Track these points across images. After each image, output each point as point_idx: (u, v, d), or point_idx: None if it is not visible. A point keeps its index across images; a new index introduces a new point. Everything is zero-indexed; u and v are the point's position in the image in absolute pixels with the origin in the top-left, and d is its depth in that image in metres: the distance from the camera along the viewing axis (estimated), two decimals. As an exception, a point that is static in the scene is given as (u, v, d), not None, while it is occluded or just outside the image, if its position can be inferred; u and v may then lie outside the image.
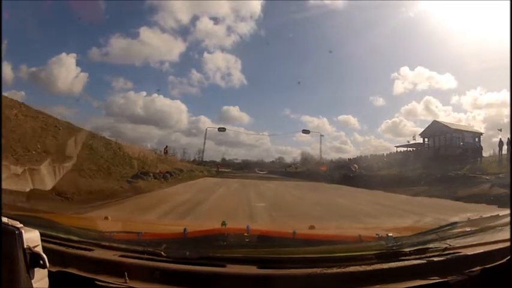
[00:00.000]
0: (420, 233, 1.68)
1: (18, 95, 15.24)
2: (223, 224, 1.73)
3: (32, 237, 1.07)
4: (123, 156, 15.49)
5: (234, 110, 25.75)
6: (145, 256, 1.37)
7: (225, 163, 27.01)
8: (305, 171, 24.95)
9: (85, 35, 24.31)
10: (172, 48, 26.09)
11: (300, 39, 27.75)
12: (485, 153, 19.94)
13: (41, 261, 1.06)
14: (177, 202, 8.45)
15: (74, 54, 20.64)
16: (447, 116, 22.96)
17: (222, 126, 23.41)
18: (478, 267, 1.36)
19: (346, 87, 29.79)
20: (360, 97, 30.03)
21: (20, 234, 1.03)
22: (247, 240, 1.64)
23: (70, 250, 1.41)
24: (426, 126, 23.27)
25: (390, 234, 1.53)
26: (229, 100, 28.84)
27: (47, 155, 9.80)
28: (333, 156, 25.97)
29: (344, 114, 28.45)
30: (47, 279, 1.11)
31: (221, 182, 16.69)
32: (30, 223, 1.14)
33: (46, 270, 1.09)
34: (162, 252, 1.38)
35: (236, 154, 30.16)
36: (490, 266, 1.36)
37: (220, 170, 24.83)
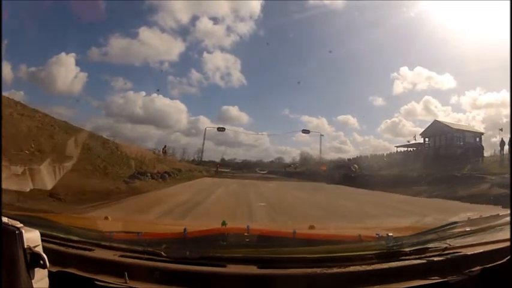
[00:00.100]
0: (420, 233, 1.68)
1: (18, 95, 15.26)
2: (224, 223, 1.73)
3: (32, 237, 1.07)
4: (120, 155, 15.32)
5: (234, 110, 25.77)
6: (146, 256, 1.37)
7: (224, 163, 27.02)
8: (304, 171, 24.97)
9: (84, 35, 24.29)
10: (171, 48, 26.12)
11: (299, 39, 27.68)
12: (485, 153, 20.00)
13: (41, 261, 1.06)
14: (174, 203, 8.30)
15: (74, 54, 20.64)
16: (446, 116, 23.00)
17: (221, 126, 23.42)
18: (478, 267, 1.36)
19: (346, 87, 29.79)
20: (359, 97, 30.09)
21: (20, 234, 1.03)
22: (247, 240, 1.63)
23: (70, 250, 1.41)
24: (426, 126, 23.35)
25: (390, 234, 1.53)
26: (228, 100, 28.82)
27: (41, 154, 9.75)
28: (332, 156, 25.99)
29: (343, 114, 28.46)
30: (47, 279, 1.10)
31: (220, 182, 16.58)
32: (30, 223, 1.14)
33: (46, 270, 1.08)
34: (162, 252, 1.38)
35: (235, 154, 30.24)
36: (490, 266, 1.36)
37: (219, 170, 24.83)
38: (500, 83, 17.98)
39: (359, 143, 27.26)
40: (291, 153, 29.83)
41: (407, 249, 1.44)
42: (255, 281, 1.32)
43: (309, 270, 1.32)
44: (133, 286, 1.24)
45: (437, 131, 22.32)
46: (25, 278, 1.02)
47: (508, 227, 1.53)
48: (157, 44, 23.78)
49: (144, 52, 23.94)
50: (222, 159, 27.19)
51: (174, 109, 25.36)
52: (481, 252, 1.44)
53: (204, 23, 23.34)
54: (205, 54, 24.95)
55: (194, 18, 24.45)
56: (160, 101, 24.28)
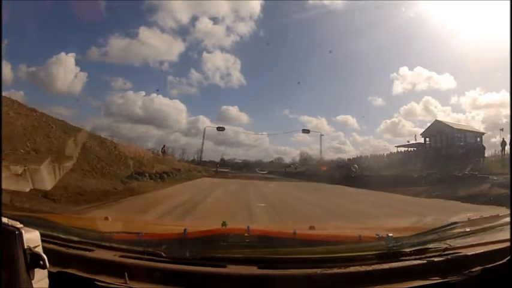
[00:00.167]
0: (420, 233, 1.68)
1: (18, 95, 15.23)
2: (224, 224, 1.73)
3: (32, 238, 1.07)
4: (118, 155, 15.16)
5: (233, 110, 25.81)
6: (146, 256, 1.37)
7: (224, 163, 27.02)
8: (304, 171, 24.98)
9: (84, 35, 24.47)
10: (171, 48, 26.21)
11: (299, 40, 27.83)
12: (486, 153, 19.97)
13: (41, 262, 1.06)
14: (172, 205, 8.13)
15: (73, 54, 20.77)
16: (446, 117, 23.05)
17: (221, 125, 23.46)
18: (478, 267, 1.35)
19: (345, 88, 29.93)
20: (359, 97, 30.25)
21: (20, 234, 1.02)
22: (247, 240, 1.63)
23: (70, 250, 1.41)
24: (425, 126, 23.40)
25: (390, 235, 1.53)
26: (228, 100, 28.89)
27: (36, 154, 9.70)
28: (332, 156, 26.04)
29: (343, 114, 28.48)
30: (47, 280, 1.10)
31: (220, 183, 16.49)
32: (30, 223, 1.14)
33: (46, 270, 1.08)
34: (162, 253, 1.38)
35: (235, 154, 30.27)
36: (490, 266, 1.36)
37: (219, 170, 24.81)
38: (500, 83, 18.06)
39: (358, 143, 27.33)
40: (290, 153, 29.91)
41: (407, 250, 1.44)
42: (255, 282, 1.32)
43: (309, 271, 1.32)
44: (134, 286, 1.24)
45: (438, 131, 22.29)
46: (25, 278, 1.02)
47: (508, 227, 1.53)
48: (157, 44, 23.90)
49: (144, 52, 24.02)
50: (222, 159, 27.21)
51: (174, 109, 25.44)
52: (481, 253, 1.44)
53: (204, 23, 23.44)
54: (205, 54, 25.06)
55: (194, 18, 24.50)
56: (160, 101, 24.39)
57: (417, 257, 1.42)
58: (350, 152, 25.70)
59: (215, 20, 23.94)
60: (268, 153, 30.89)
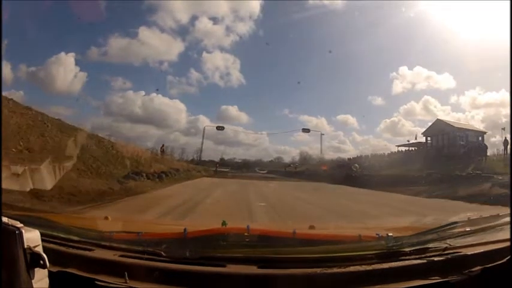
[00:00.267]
0: (420, 233, 1.68)
1: (18, 95, 15.21)
2: (224, 223, 1.73)
3: (32, 237, 1.07)
4: (115, 155, 14.73)
5: (233, 110, 25.74)
6: (146, 256, 1.37)
7: (223, 163, 26.96)
8: (304, 170, 24.95)
9: (84, 35, 24.40)
10: (171, 48, 26.07)
11: (298, 39, 27.64)
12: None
13: (41, 261, 1.06)
14: (169, 205, 7.87)
15: (73, 54, 20.66)
16: (446, 116, 22.95)
17: (220, 125, 23.44)
18: (478, 267, 1.36)
19: (345, 87, 29.78)
20: (358, 97, 30.14)
21: (20, 234, 1.03)
22: (247, 240, 1.63)
23: (70, 250, 1.41)
24: (425, 125, 23.30)
25: (390, 234, 1.53)
26: (228, 100, 28.84)
27: (29, 153, 9.50)
28: (332, 155, 25.95)
29: (343, 113, 28.36)
30: (47, 279, 1.11)
31: (219, 183, 16.33)
32: (30, 223, 1.14)
33: (46, 270, 1.09)
34: (162, 252, 1.38)
35: (235, 153, 30.14)
36: (490, 266, 1.36)
37: (218, 169, 24.78)
38: (499, 83, 18.03)
39: (358, 142, 27.26)
40: (290, 152, 29.79)
41: (407, 249, 1.44)
42: (255, 281, 1.32)
43: (309, 270, 1.32)
44: (134, 286, 1.24)
45: (439, 130, 22.15)
46: (25, 278, 1.02)
47: (508, 227, 1.53)
48: (156, 44, 23.79)
49: (144, 52, 23.92)
50: (222, 159, 27.14)
51: (174, 109, 25.36)
52: (481, 252, 1.44)
53: (204, 23, 23.34)
54: (204, 54, 24.94)
55: (193, 18, 24.36)
56: (160, 101, 24.28)
57: (417, 256, 1.42)
58: (350, 151, 25.68)
59: (215, 19, 23.87)
60: (268, 152, 30.84)
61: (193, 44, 24.93)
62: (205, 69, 25.72)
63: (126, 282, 1.25)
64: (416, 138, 23.22)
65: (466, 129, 21.67)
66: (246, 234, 1.64)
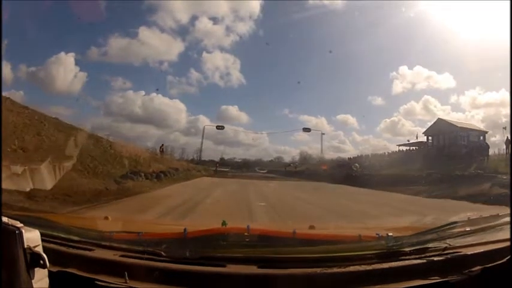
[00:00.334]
0: (420, 233, 1.68)
1: (18, 95, 15.21)
2: (224, 223, 1.73)
3: (32, 237, 1.07)
4: (113, 154, 14.61)
5: (233, 110, 25.75)
6: (146, 256, 1.37)
7: (223, 162, 26.95)
8: (304, 170, 24.94)
9: (84, 35, 24.42)
10: (171, 48, 26.05)
11: (299, 39, 27.62)
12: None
13: (41, 261, 1.06)
14: (167, 206, 7.64)
15: (73, 54, 20.67)
16: (446, 116, 22.94)
17: (220, 124, 23.44)
18: (478, 267, 1.36)
19: (345, 87, 29.79)
20: (358, 97, 30.16)
21: (20, 234, 1.03)
22: (247, 240, 1.63)
23: (70, 250, 1.41)
24: (425, 125, 23.29)
25: (390, 234, 1.53)
26: (228, 100, 28.86)
27: (23, 152, 9.37)
28: (332, 155, 25.95)
29: (343, 113, 28.37)
30: (47, 279, 1.11)
31: (219, 182, 16.23)
32: (30, 223, 1.14)
33: (46, 270, 1.09)
34: (163, 252, 1.38)
35: (235, 153, 30.06)
36: (490, 265, 1.36)
37: (218, 169, 24.77)
38: (499, 83, 18.02)
39: (358, 142, 27.23)
40: (290, 152, 29.76)
41: (407, 249, 1.44)
42: (255, 281, 1.32)
43: (309, 270, 1.32)
44: (134, 286, 1.24)
45: (441, 129, 22.05)
46: (25, 278, 1.02)
47: (508, 227, 1.53)
48: (156, 44, 23.80)
49: (144, 52, 23.92)
50: (222, 159, 27.13)
51: (174, 108, 25.36)
52: (481, 252, 1.44)
53: (204, 23, 23.34)
54: (204, 54, 24.94)
55: (193, 18, 24.35)
56: (160, 101, 24.29)
57: (417, 256, 1.42)
58: (350, 151, 25.67)
59: (215, 19, 23.86)
60: (268, 152, 30.82)
61: (193, 44, 24.95)
62: (205, 69, 25.73)
63: (126, 282, 1.25)
64: (417, 138, 23.22)
65: (467, 128, 21.59)
66: (246, 234, 1.64)
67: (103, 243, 1.47)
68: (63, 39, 23.86)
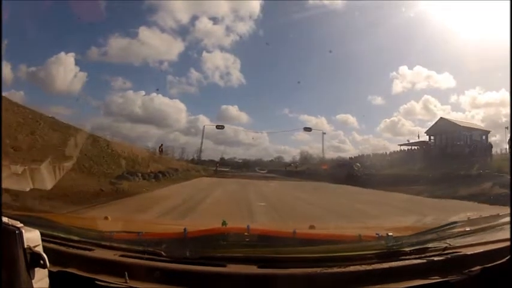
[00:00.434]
0: (420, 233, 1.68)
1: (18, 95, 15.21)
2: (224, 223, 1.73)
3: (32, 237, 1.07)
4: (110, 154, 14.37)
5: (233, 110, 25.82)
6: (146, 256, 1.37)
7: (223, 162, 26.96)
8: (305, 170, 24.92)
9: (84, 35, 24.49)
10: (171, 48, 26.24)
11: (299, 39, 27.71)
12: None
13: (41, 261, 1.06)
14: (164, 208, 7.34)
15: (73, 54, 20.75)
16: (446, 116, 22.94)
17: (220, 124, 23.44)
18: (478, 267, 1.35)
19: (345, 87, 29.92)
20: (358, 96, 30.30)
21: (20, 234, 1.03)
22: (247, 239, 1.63)
23: (70, 250, 1.41)
24: (425, 125, 23.35)
25: (390, 234, 1.53)
26: (228, 99, 28.96)
27: (14, 151, 9.21)
28: (332, 155, 25.99)
29: (343, 113, 28.43)
30: (47, 279, 1.11)
31: (219, 183, 16.06)
32: (30, 223, 1.14)
33: (46, 270, 1.09)
34: (163, 252, 1.38)
35: (235, 153, 30.10)
36: (490, 265, 1.35)
37: (218, 169, 24.75)
38: (499, 82, 18.02)
39: (358, 142, 27.33)
40: (290, 152, 29.86)
41: (407, 249, 1.44)
42: (255, 281, 1.32)
43: (309, 270, 1.32)
44: (134, 286, 1.25)
45: (443, 129, 22.00)
46: (25, 278, 1.02)
47: (508, 227, 1.53)
48: (156, 44, 23.94)
49: (144, 52, 24.04)
50: (222, 159, 27.15)
51: (174, 108, 25.45)
52: (481, 252, 1.44)
53: (204, 23, 23.45)
54: (204, 54, 25.06)
55: (194, 18, 24.46)
56: (160, 100, 24.41)
57: (417, 256, 1.42)
58: (350, 151, 25.72)
59: (215, 19, 23.97)
60: (268, 152, 30.87)
61: (193, 44, 25.08)
62: (206, 69, 25.83)
63: (126, 282, 1.25)
64: (418, 137, 23.18)
65: (470, 128, 21.54)
66: (246, 234, 1.64)
67: (103, 243, 1.47)
68: (63, 39, 24.00)
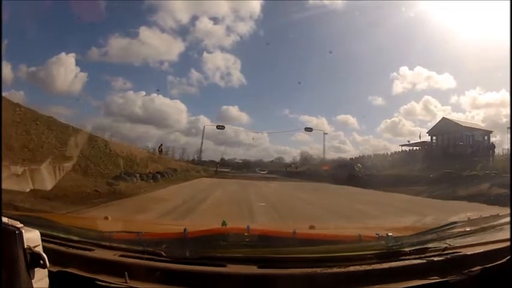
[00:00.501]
0: (420, 233, 1.68)
1: (18, 95, 15.19)
2: (224, 223, 1.73)
3: (32, 237, 1.07)
4: (108, 154, 14.04)
5: (234, 110, 25.92)
6: (146, 256, 1.37)
7: (224, 163, 27.03)
8: (306, 171, 24.93)
9: (84, 35, 24.55)
10: (171, 48, 26.37)
11: (299, 40, 27.88)
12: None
13: (41, 261, 1.06)
14: (161, 210, 7.01)
15: (74, 54, 20.80)
16: (446, 116, 22.93)
17: (220, 124, 23.46)
18: (478, 267, 1.35)
19: (346, 87, 30.03)
20: (359, 97, 30.38)
21: (20, 234, 1.03)
22: (247, 240, 1.63)
23: (70, 250, 1.42)
24: (426, 125, 23.39)
25: (390, 234, 1.53)
26: (228, 100, 29.00)
27: (6, 151, 8.59)
28: (332, 155, 26.03)
29: (343, 113, 28.62)
30: (47, 279, 1.11)
31: (218, 183, 15.90)
32: (30, 223, 1.15)
33: (46, 270, 1.09)
34: (163, 252, 1.39)
35: (235, 154, 30.38)
36: (490, 266, 1.35)
37: (219, 170, 24.74)
38: (500, 83, 18.02)
39: (358, 142, 27.45)
40: (290, 153, 29.94)
41: (407, 249, 1.44)
42: (255, 281, 1.32)
43: (309, 270, 1.32)
44: (134, 286, 1.25)
45: (446, 129, 21.95)
46: (25, 278, 1.02)
47: (508, 227, 1.53)
48: (157, 44, 24.03)
49: (144, 52, 24.12)
50: (222, 159, 27.23)
51: (174, 109, 25.56)
52: (481, 252, 1.44)
53: (204, 23, 23.53)
54: (205, 54, 25.17)
55: (194, 18, 24.63)
56: (160, 101, 24.53)
57: (417, 256, 1.42)
58: (350, 151, 25.80)
59: (215, 20, 24.09)
60: (269, 152, 30.97)
61: (193, 44, 25.18)
62: (206, 70, 25.95)
63: (126, 282, 1.25)
64: (420, 138, 23.16)
65: (472, 128, 21.50)
66: (246, 234, 1.64)
67: (103, 243, 1.47)
68: (64, 39, 24.03)
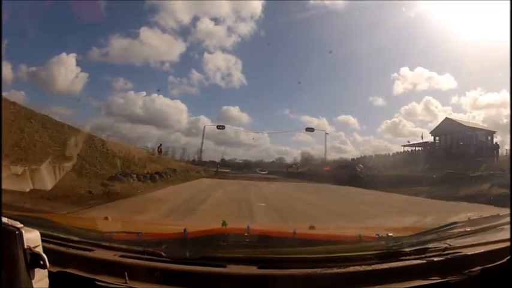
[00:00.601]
0: (420, 233, 1.68)
1: (18, 95, 15.16)
2: (224, 224, 1.73)
3: (32, 238, 1.07)
4: (105, 153, 13.59)
5: (234, 110, 25.92)
6: (146, 256, 1.37)
7: (224, 163, 27.01)
8: (307, 171, 24.90)
9: (85, 35, 24.57)
10: (172, 49, 26.26)
11: (300, 40, 27.90)
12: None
13: (41, 262, 1.06)
14: (158, 213, 6.64)
15: (74, 54, 20.80)
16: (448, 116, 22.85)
17: (221, 124, 23.46)
18: (478, 267, 1.35)
19: (346, 88, 30.02)
20: (359, 97, 30.35)
21: (20, 234, 1.03)
22: (247, 240, 1.63)
23: (70, 250, 1.42)
24: (426, 126, 23.36)
25: (390, 234, 1.53)
26: (229, 100, 29.04)
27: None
28: (333, 156, 26.00)
29: (344, 114, 28.59)
30: (47, 280, 1.11)
31: (218, 184, 15.76)
32: (30, 223, 1.15)
33: (46, 270, 1.09)
34: (163, 253, 1.39)
35: (235, 154, 30.38)
36: (490, 266, 1.35)
37: (219, 170, 24.72)
38: (500, 83, 17.98)
39: (359, 143, 27.44)
40: (291, 153, 29.94)
41: (407, 250, 1.44)
42: (255, 281, 1.32)
43: (309, 271, 1.32)
44: (134, 286, 1.25)
45: (449, 129, 21.88)
46: (25, 278, 1.02)
47: (508, 227, 1.53)
48: (158, 45, 24.01)
49: (145, 52, 24.18)
50: (222, 159, 27.22)
51: (175, 109, 25.56)
52: (481, 252, 1.44)
53: (205, 24, 23.55)
54: (206, 55, 25.19)
55: (195, 19, 24.58)
56: (161, 101, 24.50)
57: (417, 256, 1.42)
58: (351, 152, 25.78)
59: (216, 20, 24.12)
60: (269, 153, 30.96)
61: (194, 45, 25.18)
62: (207, 70, 25.95)
63: (126, 283, 1.25)
64: (422, 138, 23.09)
65: (475, 128, 21.40)
66: (246, 234, 1.64)
67: (103, 243, 1.47)
68: (64, 39, 24.00)
